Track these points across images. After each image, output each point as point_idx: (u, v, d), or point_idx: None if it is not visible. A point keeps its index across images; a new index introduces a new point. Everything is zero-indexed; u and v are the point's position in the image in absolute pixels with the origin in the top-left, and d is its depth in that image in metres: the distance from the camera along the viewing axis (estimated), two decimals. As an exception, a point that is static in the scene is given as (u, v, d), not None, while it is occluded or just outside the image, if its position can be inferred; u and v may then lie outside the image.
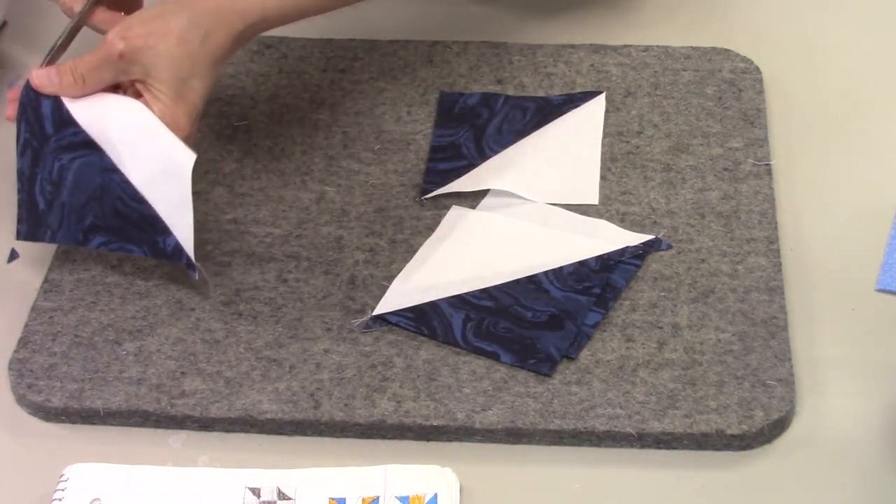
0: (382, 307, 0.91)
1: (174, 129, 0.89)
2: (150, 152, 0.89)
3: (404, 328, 0.89)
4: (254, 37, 0.93)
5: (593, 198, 0.98)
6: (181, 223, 0.89)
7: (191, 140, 0.91)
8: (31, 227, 0.92)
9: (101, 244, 0.91)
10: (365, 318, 0.90)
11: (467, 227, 0.96)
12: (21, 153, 0.91)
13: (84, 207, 0.90)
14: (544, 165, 1.00)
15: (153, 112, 0.89)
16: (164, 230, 0.90)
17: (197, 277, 0.91)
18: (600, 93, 1.05)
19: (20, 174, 0.91)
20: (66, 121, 0.90)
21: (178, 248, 0.90)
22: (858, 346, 0.89)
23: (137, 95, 0.91)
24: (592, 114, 1.03)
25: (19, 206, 0.92)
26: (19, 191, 0.92)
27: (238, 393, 0.86)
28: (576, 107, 1.04)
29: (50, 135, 0.90)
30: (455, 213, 0.97)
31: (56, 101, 0.90)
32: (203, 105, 0.91)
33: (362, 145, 1.02)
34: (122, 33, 0.89)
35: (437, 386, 0.86)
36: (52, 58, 0.93)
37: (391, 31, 1.11)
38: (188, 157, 0.89)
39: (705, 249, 0.94)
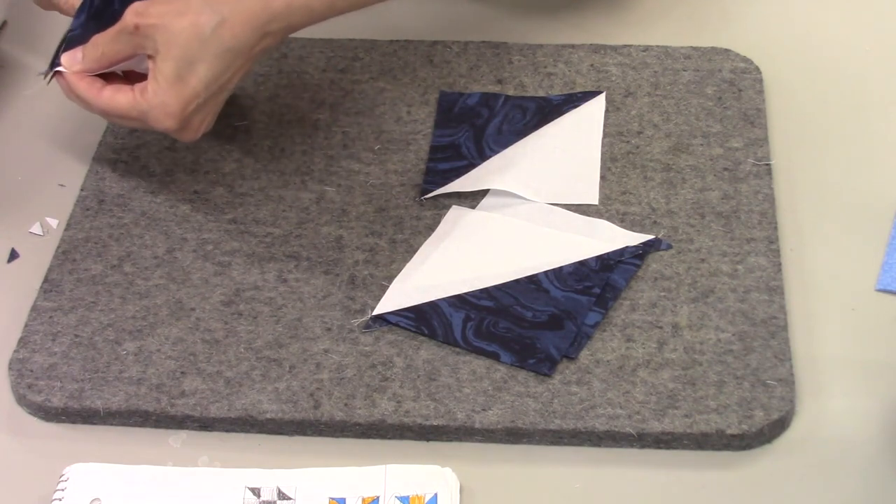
0: (382, 307, 0.91)
1: (162, 112, 0.89)
2: None
3: (404, 328, 0.89)
4: (286, 34, 0.92)
5: (593, 198, 0.98)
6: None
7: (188, 130, 0.91)
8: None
9: None
10: (365, 318, 0.90)
11: (467, 227, 0.96)
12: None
13: None
14: (544, 165, 1.00)
15: (145, 93, 0.89)
16: None
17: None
18: (600, 93, 1.05)
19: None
20: None
21: None
22: (858, 346, 0.89)
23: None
24: (592, 114, 1.03)
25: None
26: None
27: (238, 393, 0.86)
28: (576, 107, 1.04)
29: None
30: (455, 213, 0.97)
31: None
32: (207, 93, 0.90)
33: (362, 145, 1.02)
34: (140, 9, 0.90)
35: (437, 386, 0.86)
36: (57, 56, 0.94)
37: (391, 31, 1.11)
38: None
39: (705, 249, 0.94)
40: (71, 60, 0.93)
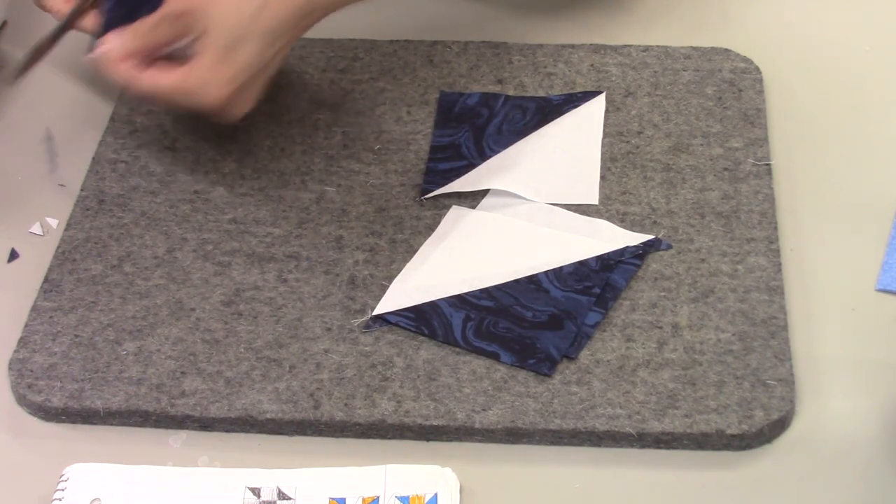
0: (382, 307, 0.91)
1: (207, 91, 0.91)
2: None
3: (404, 328, 0.90)
4: (325, 13, 0.95)
5: (593, 198, 0.98)
6: None
7: (232, 109, 0.93)
8: None
9: None
10: (365, 318, 0.90)
11: (467, 227, 0.96)
12: None
13: None
14: (544, 165, 1.00)
15: (192, 72, 0.91)
16: None
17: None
18: (600, 93, 1.05)
19: None
20: None
21: None
22: (858, 346, 0.89)
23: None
24: (592, 114, 1.03)
25: None
26: None
27: (238, 393, 0.86)
28: (576, 107, 1.04)
29: None
30: (455, 213, 0.97)
31: None
32: (249, 76, 0.92)
33: (362, 145, 1.02)
34: None
35: (437, 386, 0.86)
36: (32, 59, 0.94)
37: (391, 31, 1.11)
38: None
39: (705, 249, 0.94)
40: (112, 45, 0.93)
